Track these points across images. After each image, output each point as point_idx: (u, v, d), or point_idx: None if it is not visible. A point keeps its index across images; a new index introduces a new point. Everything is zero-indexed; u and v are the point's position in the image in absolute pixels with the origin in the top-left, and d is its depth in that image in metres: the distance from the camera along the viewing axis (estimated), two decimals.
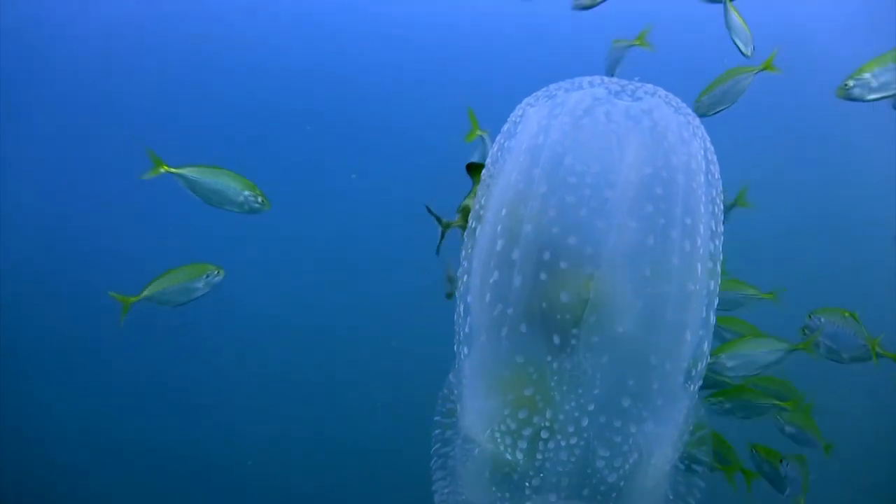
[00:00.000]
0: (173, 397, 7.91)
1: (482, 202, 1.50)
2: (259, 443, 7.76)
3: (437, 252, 1.79)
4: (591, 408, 1.38)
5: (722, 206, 1.50)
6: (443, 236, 1.82)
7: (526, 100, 1.56)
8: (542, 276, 1.34)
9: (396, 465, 7.01)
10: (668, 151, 1.38)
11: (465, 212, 1.63)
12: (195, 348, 8.11)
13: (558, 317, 1.34)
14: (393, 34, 8.48)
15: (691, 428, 1.54)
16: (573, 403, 1.37)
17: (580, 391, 1.37)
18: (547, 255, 1.35)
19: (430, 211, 1.83)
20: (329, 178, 8.27)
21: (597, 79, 1.48)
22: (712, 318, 1.50)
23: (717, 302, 1.52)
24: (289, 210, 8.24)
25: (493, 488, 1.44)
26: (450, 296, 1.74)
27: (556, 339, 1.35)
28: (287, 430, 7.78)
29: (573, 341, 1.36)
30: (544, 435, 1.38)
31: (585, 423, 1.39)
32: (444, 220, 1.82)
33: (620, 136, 1.37)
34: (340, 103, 8.46)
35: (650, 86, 1.49)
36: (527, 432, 1.38)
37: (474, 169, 1.61)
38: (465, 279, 1.50)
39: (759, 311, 7.67)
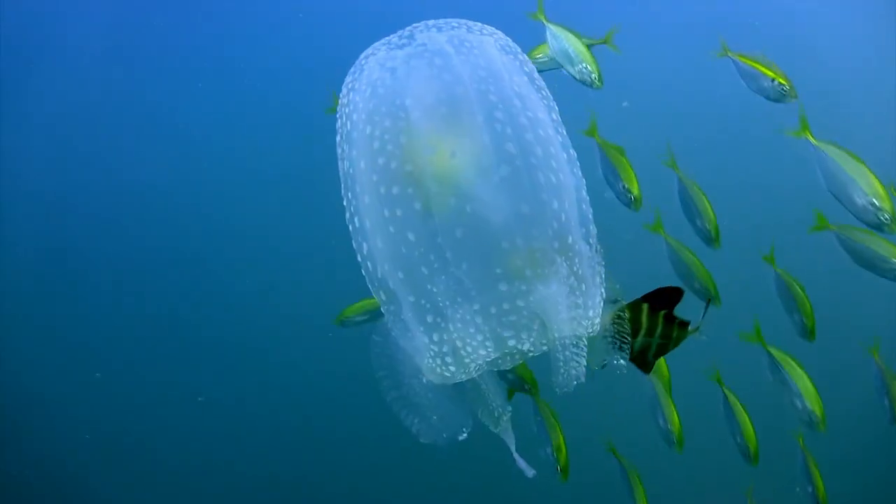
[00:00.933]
0: (173, 397, 7.91)
1: (345, 126, 1.74)
2: (260, 443, 7.76)
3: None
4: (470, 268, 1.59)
5: (547, 91, 1.79)
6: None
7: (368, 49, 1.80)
8: (409, 167, 1.58)
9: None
10: (489, 57, 1.69)
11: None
12: (196, 348, 8.12)
13: (430, 191, 1.57)
14: None
15: (591, 293, 1.71)
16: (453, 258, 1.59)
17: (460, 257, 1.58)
18: (430, 151, 1.59)
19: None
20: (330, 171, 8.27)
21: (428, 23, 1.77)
22: (575, 184, 1.72)
23: (578, 171, 1.74)
24: (288, 211, 8.25)
25: (423, 328, 1.64)
26: None
27: (434, 221, 1.57)
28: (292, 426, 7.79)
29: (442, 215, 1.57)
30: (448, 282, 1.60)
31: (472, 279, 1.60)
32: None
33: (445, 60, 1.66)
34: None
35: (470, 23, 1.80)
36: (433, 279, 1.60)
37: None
38: (350, 199, 1.72)
39: (762, 311, 7.71)
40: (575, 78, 3.64)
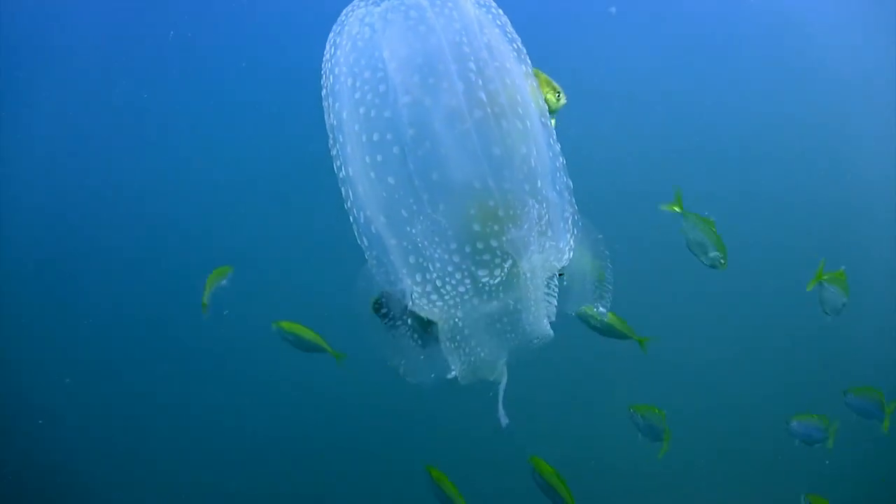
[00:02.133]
0: (174, 395, 7.89)
1: (329, 85, 1.83)
2: (261, 443, 7.74)
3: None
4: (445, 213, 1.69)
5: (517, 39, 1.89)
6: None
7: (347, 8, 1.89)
8: (387, 114, 1.68)
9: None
10: (462, 11, 1.78)
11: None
12: (197, 346, 8.09)
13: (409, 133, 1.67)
14: None
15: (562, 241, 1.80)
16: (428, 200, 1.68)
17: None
18: (406, 98, 1.68)
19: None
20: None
21: None
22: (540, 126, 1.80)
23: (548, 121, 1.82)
24: (289, 210, 8.23)
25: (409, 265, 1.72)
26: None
27: (410, 165, 1.67)
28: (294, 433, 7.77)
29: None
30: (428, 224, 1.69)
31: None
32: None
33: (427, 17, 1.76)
34: None
35: None
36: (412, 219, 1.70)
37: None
38: (336, 150, 1.82)
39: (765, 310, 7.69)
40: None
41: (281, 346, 7.99)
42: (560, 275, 1.85)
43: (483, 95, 1.67)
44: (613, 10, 7.83)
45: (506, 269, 1.69)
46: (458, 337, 1.78)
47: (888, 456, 6.85)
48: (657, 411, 4.72)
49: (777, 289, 7.70)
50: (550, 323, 1.78)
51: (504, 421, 1.84)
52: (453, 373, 1.80)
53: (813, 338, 7.44)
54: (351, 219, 1.79)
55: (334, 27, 1.85)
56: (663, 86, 8.09)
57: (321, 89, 1.85)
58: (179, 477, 7.49)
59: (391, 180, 1.67)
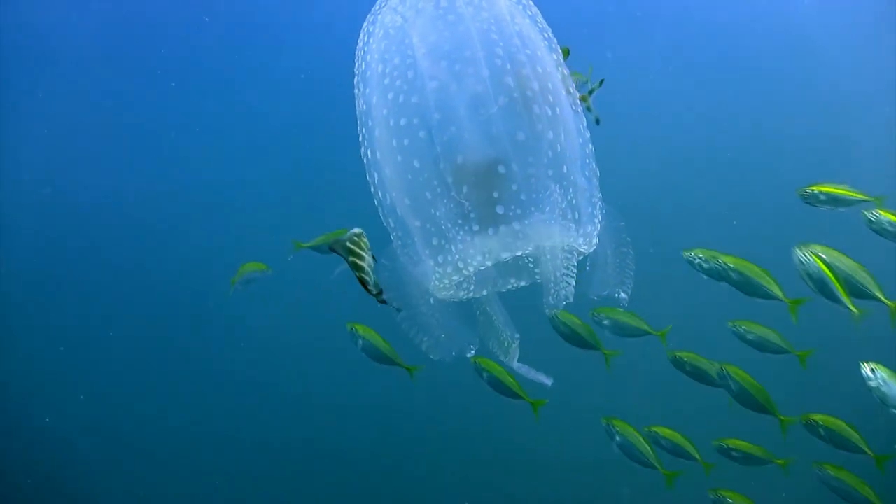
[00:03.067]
0: (173, 396, 7.92)
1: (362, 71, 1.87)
2: (263, 444, 7.77)
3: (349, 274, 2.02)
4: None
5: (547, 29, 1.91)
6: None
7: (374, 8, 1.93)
8: (414, 99, 1.72)
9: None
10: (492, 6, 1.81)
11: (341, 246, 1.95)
12: (197, 346, 8.12)
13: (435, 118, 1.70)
14: None
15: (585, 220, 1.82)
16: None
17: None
18: (434, 84, 1.71)
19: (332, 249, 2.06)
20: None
21: None
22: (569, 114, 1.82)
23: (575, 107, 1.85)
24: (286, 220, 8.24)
25: (432, 248, 1.76)
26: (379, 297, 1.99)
27: (438, 148, 1.70)
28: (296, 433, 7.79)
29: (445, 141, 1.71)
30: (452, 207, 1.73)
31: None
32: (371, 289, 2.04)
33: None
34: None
35: None
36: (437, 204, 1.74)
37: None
38: (364, 134, 1.85)
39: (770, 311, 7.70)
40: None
41: (282, 346, 8.04)
42: (582, 260, 1.87)
43: (511, 80, 1.70)
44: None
45: (528, 252, 1.72)
46: (477, 315, 1.84)
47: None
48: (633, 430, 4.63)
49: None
50: (567, 305, 1.80)
51: (547, 381, 1.90)
52: (473, 351, 1.84)
53: (813, 337, 7.45)
54: (376, 201, 1.83)
55: (368, 17, 1.90)
56: (665, 89, 8.11)
57: (354, 76, 1.89)
58: (180, 477, 7.53)
59: (417, 163, 1.71)
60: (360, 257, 1.91)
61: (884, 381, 3.89)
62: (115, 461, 7.53)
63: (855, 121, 7.90)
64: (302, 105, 8.40)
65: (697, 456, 4.52)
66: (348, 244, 1.90)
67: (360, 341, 4.69)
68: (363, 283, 1.92)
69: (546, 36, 1.89)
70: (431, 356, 1.86)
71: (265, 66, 8.65)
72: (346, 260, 1.93)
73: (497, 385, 4.61)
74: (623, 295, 1.94)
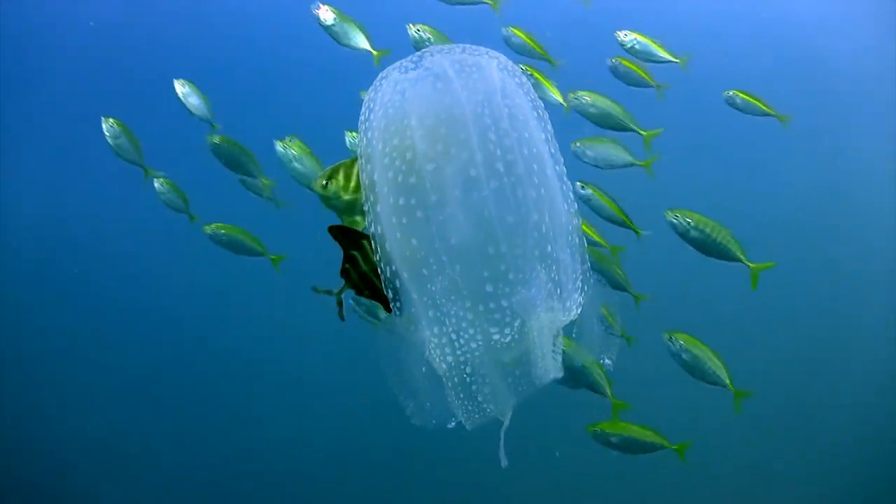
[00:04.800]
0: (173, 396, 7.91)
1: (365, 146, 1.95)
2: (264, 444, 7.76)
3: (342, 319, 2.15)
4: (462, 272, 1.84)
5: (543, 109, 1.99)
6: (340, 305, 2.17)
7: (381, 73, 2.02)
8: (412, 180, 1.81)
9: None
10: (487, 80, 1.90)
11: (347, 274, 2.07)
12: (197, 346, 8.11)
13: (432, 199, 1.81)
14: None
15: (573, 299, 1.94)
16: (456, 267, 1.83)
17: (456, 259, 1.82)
18: (431, 166, 1.81)
19: (317, 290, 2.16)
20: None
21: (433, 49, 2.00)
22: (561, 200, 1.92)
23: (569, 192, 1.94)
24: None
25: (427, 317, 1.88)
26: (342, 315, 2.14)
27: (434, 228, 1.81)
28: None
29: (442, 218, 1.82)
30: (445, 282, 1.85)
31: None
32: (334, 291, 2.14)
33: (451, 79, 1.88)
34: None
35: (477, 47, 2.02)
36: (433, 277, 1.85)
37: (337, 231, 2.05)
38: (368, 207, 1.95)
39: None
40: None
41: (286, 340, 8.03)
42: (570, 328, 1.97)
43: (500, 166, 1.80)
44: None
45: (516, 327, 1.84)
46: (467, 386, 1.93)
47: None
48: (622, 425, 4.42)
49: (777, 289, 7.72)
50: (556, 378, 1.91)
51: (504, 462, 1.99)
52: (455, 422, 1.95)
53: (813, 338, 7.46)
54: (379, 269, 1.93)
55: (370, 90, 1.98)
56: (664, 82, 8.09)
57: (357, 147, 2.00)
58: (181, 477, 7.52)
59: (414, 241, 1.81)
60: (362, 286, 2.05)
61: (683, 348, 3.86)
62: (112, 466, 7.53)
63: (855, 116, 7.89)
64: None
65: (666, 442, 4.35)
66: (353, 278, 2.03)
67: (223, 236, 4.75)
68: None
69: (539, 113, 1.96)
70: (413, 421, 1.96)
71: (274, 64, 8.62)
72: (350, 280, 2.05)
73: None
74: (608, 361, 2.06)
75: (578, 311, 1.94)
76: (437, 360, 1.88)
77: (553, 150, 1.95)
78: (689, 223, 3.76)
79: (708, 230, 3.84)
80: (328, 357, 7.79)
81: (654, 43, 4.26)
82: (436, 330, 1.85)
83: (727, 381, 4.00)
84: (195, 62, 8.25)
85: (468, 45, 1.98)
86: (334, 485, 7.50)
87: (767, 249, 8.04)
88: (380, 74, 1.97)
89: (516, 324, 1.82)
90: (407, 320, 1.90)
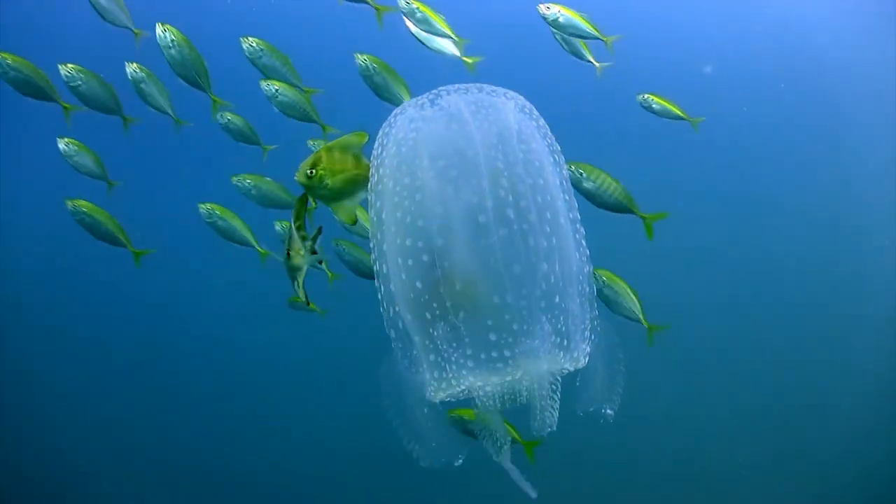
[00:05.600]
0: (173, 396, 7.92)
1: (377, 171, 1.93)
2: (264, 443, 7.77)
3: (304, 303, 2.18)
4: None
5: (556, 146, 1.95)
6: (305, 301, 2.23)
7: (395, 110, 1.98)
8: (420, 222, 1.79)
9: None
10: (503, 123, 1.86)
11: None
12: (198, 346, 8.12)
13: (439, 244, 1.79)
14: None
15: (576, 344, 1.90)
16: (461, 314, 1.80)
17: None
18: (440, 210, 1.78)
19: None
20: None
21: (450, 88, 1.97)
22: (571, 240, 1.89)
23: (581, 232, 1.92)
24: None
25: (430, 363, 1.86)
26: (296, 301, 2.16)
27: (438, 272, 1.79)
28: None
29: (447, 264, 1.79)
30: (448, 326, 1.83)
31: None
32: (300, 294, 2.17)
33: (465, 119, 1.85)
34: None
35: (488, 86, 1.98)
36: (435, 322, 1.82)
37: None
38: (375, 245, 1.93)
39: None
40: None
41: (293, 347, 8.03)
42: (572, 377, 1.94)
43: (511, 213, 1.77)
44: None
45: (517, 376, 1.80)
46: (479, 423, 1.95)
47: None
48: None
49: (777, 288, 7.72)
50: (552, 423, 1.88)
51: (532, 494, 2.01)
52: (461, 460, 1.95)
53: (813, 337, 7.46)
54: (381, 309, 1.90)
55: (384, 126, 1.94)
56: (664, 84, 8.09)
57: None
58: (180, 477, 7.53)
59: (419, 284, 1.78)
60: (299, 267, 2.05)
61: (605, 284, 3.93)
62: (111, 465, 7.54)
63: (855, 115, 7.89)
64: None
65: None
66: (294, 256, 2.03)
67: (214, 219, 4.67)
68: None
69: (552, 150, 1.92)
70: (421, 463, 1.94)
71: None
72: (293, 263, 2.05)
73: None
74: (609, 412, 2.01)
75: (586, 361, 1.91)
76: (439, 402, 1.86)
77: (567, 197, 1.91)
78: (581, 174, 3.75)
79: (599, 181, 3.86)
80: (330, 352, 7.80)
81: (582, 18, 4.18)
82: (436, 374, 1.82)
83: (640, 317, 4.05)
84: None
85: (486, 86, 1.94)
86: (334, 483, 7.51)
87: (767, 249, 8.09)
88: (395, 110, 1.95)
89: (518, 374, 1.79)
90: (408, 362, 1.88)
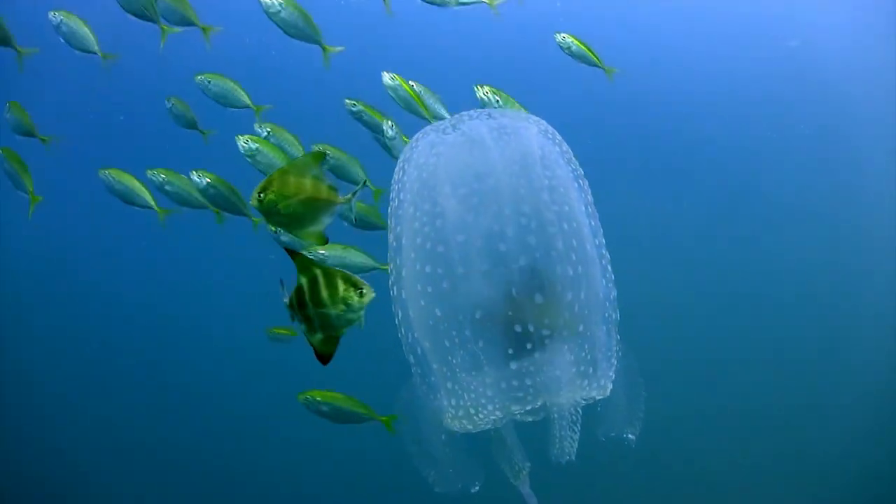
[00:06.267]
0: (174, 396, 7.91)
1: (398, 196, 1.89)
2: (264, 443, 7.76)
3: (291, 320, 1.95)
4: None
5: (578, 167, 1.92)
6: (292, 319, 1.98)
7: (415, 135, 1.95)
8: (440, 248, 1.75)
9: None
10: (525, 149, 1.83)
11: (291, 306, 1.87)
12: (198, 346, 8.11)
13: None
14: None
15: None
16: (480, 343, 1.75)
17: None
18: (460, 237, 1.74)
19: (282, 284, 1.98)
20: None
21: (471, 114, 1.93)
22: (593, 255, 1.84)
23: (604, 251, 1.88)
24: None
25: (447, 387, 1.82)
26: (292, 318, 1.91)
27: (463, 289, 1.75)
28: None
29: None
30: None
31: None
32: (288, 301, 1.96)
33: (488, 145, 1.81)
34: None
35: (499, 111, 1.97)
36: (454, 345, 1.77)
37: (296, 257, 1.87)
38: (393, 269, 1.89)
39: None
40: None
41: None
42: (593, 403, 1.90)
43: (533, 240, 1.72)
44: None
45: (538, 405, 1.76)
46: (497, 447, 1.90)
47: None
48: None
49: (777, 287, 7.71)
50: (571, 452, 1.85)
51: None
52: (477, 487, 1.90)
53: (813, 337, 7.46)
54: (399, 335, 1.86)
55: (405, 150, 1.91)
56: (664, 85, 8.09)
57: (388, 205, 1.92)
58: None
59: (438, 312, 1.74)
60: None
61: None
62: (112, 464, 7.54)
63: (856, 115, 7.88)
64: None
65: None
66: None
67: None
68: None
69: (576, 176, 1.88)
70: (437, 489, 1.90)
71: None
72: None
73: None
74: (631, 436, 1.97)
75: (610, 388, 1.86)
76: (455, 429, 1.81)
77: (593, 223, 1.86)
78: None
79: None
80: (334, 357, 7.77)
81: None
82: (454, 402, 1.78)
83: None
84: (197, 62, 8.26)
85: (508, 110, 1.95)
86: (335, 484, 7.51)
87: (767, 249, 8.09)
88: (417, 134, 1.92)
89: (538, 402, 1.75)
90: (427, 388, 1.84)
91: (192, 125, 4.51)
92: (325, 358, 1.83)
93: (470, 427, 1.79)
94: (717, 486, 6.97)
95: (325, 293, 1.73)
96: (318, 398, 4.15)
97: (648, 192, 7.79)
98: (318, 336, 1.81)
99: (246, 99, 4.24)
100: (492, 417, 1.76)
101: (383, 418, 4.13)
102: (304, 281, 1.78)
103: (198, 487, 7.57)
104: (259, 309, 8.08)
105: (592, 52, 4.26)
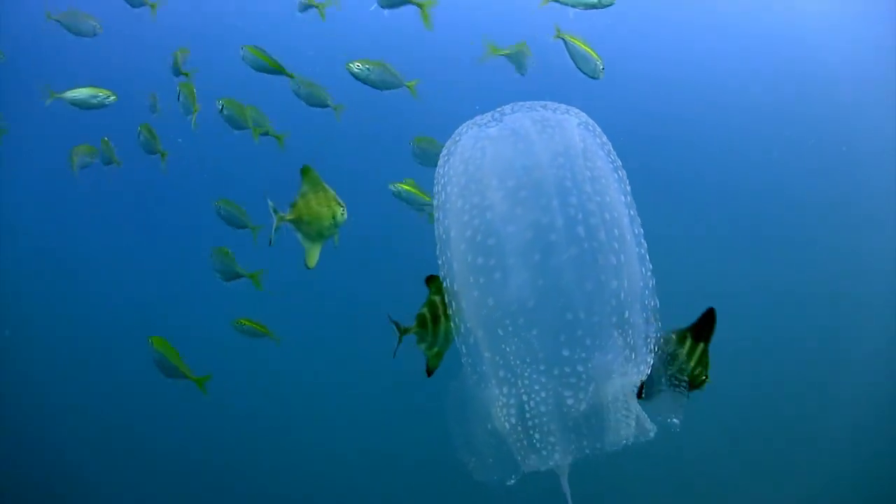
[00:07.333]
0: (174, 398, 7.92)
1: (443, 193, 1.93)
2: (264, 444, 7.78)
3: (394, 356, 2.09)
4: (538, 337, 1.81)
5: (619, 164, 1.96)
6: (400, 341, 2.11)
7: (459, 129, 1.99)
8: (491, 241, 1.80)
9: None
10: (568, 140, 1.87)
11: (421, 319, 2.01)
12: (199, 347, 8.12)
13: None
14: None
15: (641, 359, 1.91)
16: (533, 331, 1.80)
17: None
18: (511, 229, 1.78)
19: (391, 320, 2.10)
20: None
21: (515, 106, 1.98)
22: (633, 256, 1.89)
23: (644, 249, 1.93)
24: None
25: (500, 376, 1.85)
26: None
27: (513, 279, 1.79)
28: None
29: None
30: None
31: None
32: (402, 326, 2.08)
33: (531, 137, 1.86)
34: None
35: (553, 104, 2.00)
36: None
37: (432, 281, 2.00)
38: (443, 262, 1.93)
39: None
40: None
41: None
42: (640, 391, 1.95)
43: (581, 231, 1.78)
44: None
45: (590, 391, 1.81)
46: (532, 443, 1.90)
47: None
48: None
49: (777, 287, 7.73)
50: (628, 436, 1.89)
51: None
52: (514, 480, 1.94)
53: (814, 337, 7.47)
54: (453, 325, 1.91)
55: (447, 143, 1.95)
56: (663, 85, 8.11)
57: (433, 198, 1.97)
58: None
59: (491, 301, 1.79)
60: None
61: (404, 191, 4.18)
62: (112, 465, 7.55)
63: (856, 115, 7.90)
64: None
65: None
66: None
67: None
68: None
69: (620, 175, 1.93)
70: (475, 476, 1.95)
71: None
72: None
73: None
74: (675, 420, 2.01)
75: (649, 373, 1.92)
76: (503, 419, 1.85)
77: (632, 212, 1.92)
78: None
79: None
80: (332, 353, 7.82)
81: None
82: (505, 390, 1.82)
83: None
84: (194, 64, 8.26)
85: (549, 103, 1.95)
86: (335, 486, 7.52)
87: (767, 249, 8.10)
88: (459, 129, 1.96)
89: (590, 388, 1.80)
90: (477, 377, 1.89)
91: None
92: (432, 371, 2.03)
93: (515, 420, 1.83)
94: (717, 486, 6.99)
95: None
96: (155, 345, 4.39)
97: (649, 192, 7.81)
98: (436, 350, 2.00)
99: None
100: (542, 407, 1.80)
101: (196, 378, 4.53)
102: (437, 298, 1.95)
103: (198, 487, 7.59)
104: (259, 309, 8.13)
105: (591, 49, 4.33)
